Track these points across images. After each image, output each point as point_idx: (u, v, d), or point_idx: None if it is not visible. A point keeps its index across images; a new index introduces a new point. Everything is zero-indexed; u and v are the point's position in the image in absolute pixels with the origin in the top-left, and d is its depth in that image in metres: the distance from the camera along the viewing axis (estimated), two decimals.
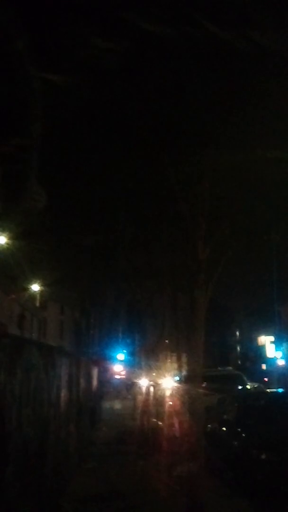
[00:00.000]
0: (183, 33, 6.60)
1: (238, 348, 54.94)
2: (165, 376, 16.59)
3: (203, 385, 10.07)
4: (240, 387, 18.23)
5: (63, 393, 8.27)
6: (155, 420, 15.11)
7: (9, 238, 20.40)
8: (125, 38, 6.81)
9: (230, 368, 26.62)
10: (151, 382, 17.90)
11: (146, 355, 20.84)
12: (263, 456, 8.88)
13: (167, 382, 15.69)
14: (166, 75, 7.52)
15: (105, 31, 6.82)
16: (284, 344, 38.17)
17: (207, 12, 6.41)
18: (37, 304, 37.87)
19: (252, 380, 23.26)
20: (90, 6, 6.54)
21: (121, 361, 34.50)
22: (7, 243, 20.79)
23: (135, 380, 22.65)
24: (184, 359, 14.82)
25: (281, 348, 35.32)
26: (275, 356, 34.01)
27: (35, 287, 32.08)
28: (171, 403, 13.58)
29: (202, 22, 6.39)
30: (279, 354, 34.21)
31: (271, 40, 6.59)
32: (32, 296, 34.61)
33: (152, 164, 9.43)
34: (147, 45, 6.90)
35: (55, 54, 7.21)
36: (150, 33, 6.62)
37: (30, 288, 31.67)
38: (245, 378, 19.82)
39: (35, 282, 30.89)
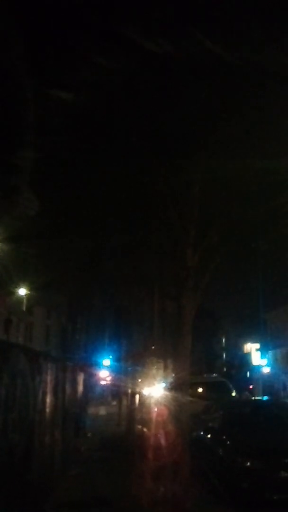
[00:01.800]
0: (181, 50, 6.67)
1: (224, 355, 55.07)
2: (151, 383, 16.56)
3: (189, 392, 10.07)
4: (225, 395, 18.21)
5: (49, 399, 8.22)
6: (140, 426, 15.06)
7: None
8: (124, 56, 6.86)
9: (216, 375, 26.56)
10: (137, 389, 17.85)
11: (133, 361, 20.78)
12: (248, 464, 8.90)
13: (153, 389, 15.65)
14: (159, 85, 7.58)
15: (106, 49, 6.87)
16: (269, 352, 38.37)
17: (206, 30, 6.49)
18: (24, 308, 37.64)
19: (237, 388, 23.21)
20: (91, 24, 6.58)
21: (107, 367, 34.31)
22: None
23: (121, 387, 22.57)
24: (170, 365, 14.84)
25: (266, 355, 35.47)
26: (260, 364, 34.12)
27: (22, 291, 31.92)
28: (156, 409, 13.55)
29: (201, 39, 6.46)
30: (264, 362, 34.34)
31: (262, 55, 6.69)
32: (19, 300, 34.41)
33: (143, 170, 9.46)
34: (143, 60, 6.96)
35: (56, 72, 7.25)
36: (145, 48, 6.67)
37: (17, 292, 31.50)
38: (230, 385, 19.81)
39: (22, 286, 30.74)
